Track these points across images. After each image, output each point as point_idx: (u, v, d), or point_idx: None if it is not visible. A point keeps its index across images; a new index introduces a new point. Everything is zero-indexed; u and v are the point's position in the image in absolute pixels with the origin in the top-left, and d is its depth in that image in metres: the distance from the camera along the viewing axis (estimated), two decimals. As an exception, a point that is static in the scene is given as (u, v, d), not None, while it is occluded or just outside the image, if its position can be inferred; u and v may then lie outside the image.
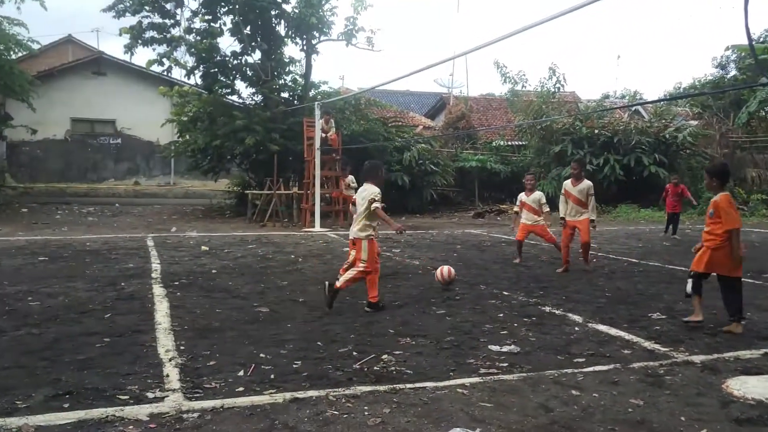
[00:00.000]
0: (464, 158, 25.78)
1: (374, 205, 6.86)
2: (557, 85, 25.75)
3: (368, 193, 7.00)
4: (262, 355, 5.10)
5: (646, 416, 3.86)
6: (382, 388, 4.32)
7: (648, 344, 5.53)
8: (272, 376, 4.57)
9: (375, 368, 4.78)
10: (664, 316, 6.65)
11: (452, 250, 12.03)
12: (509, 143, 28.14)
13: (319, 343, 5.48)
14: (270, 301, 7.28)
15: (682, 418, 3.84)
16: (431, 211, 22.31)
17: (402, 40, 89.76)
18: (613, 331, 5.98)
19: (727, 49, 37.97)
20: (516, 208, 10.99)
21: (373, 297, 6.86)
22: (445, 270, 8.22)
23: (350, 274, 6.98)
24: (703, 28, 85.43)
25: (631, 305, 7.22)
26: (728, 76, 37.04)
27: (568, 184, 9.81)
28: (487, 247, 12.95)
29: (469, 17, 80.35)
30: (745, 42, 29.21)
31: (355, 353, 5.17)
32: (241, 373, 4.63)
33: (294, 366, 4.83)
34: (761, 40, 33.36)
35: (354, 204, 7.43)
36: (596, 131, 23.53)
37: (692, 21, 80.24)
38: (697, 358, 5.10)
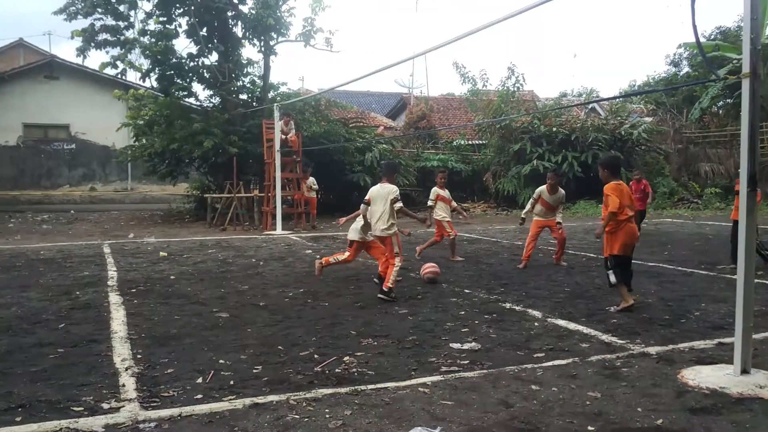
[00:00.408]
0: (426, 158, 25.90)
1: (397, 205, 7.41)
2: (516, 85, 26.08)
3: (387, 191, 7.46)
4: (221, 361, 5.03)
5: (603, 408, 3.93)
6: (343, 390, 4.30)
7: (605, 337, 5.64)
8: (232, 382, 4.51)
9: (336, 370, 4.75)
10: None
11: (413, 250, 12.03)
12: (470, 142, 28.39)
13: (279, 347, 5.43)
14: (230, 306, 7.19)
15: (639, 409, 3.91)
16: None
17: (362, 40, 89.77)
18: (572, 326, 6.08)
19: (680, 46, 39.03)
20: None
21: (392, 284, 7.37)
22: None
23: (392, 273, 7.39)
24: (657, 25, 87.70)
25: (590, 300, 7.35)
26: (681, 73, 38.05)
27: (544, 191, 9.99)
28: (448, 246, 13.00)
29: (427, 17, 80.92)
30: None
31: (316, 356, 5.14)
32: (200, 380, 4.56)
33: (254, 371, 4.78)
34: (712, 38, 34.38)
35: (366, 203, 7.71)
36: (554, 129, 23.90)
37: (647, 18, 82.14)
38: (653, 350, 5.21)
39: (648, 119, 29.21)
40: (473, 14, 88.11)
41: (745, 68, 4.25)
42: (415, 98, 35.89)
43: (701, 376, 4.46)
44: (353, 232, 8.12)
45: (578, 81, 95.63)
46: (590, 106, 32.32)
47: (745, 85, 4.26)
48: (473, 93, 27.04)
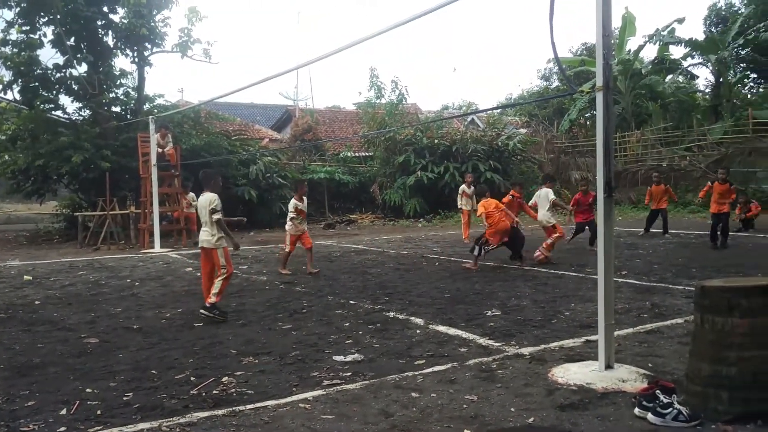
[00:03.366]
0: (312, 170, 25.82)
1: (215, 216, 7.01)
2: (399, 97, 26.66)
3: (206, 201, 7.10)
4: (88, 389, 4.73)
5: (479, 411, 4.03)
6: (220, 412, 4.14)
7: (483, 341, 5.82)
8: (99, 412, 4.25)
9: (214, 392, 4.57)
10: (498, 313, 7.03)
11: (302, 263, 11.91)
12: (356, 154, 28.65)
13: (153, 371, 5.16)
14: (100, 330, 6.77)
15: (512, 409, 4.05)
16: (282, 225, 21.97)
17: (246, 52, 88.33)
18: (452, 331, 6.22)
19: (549, 61, 41.58)
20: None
21: (216, 298, 7.04)
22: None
23: (217, 286, 7.00)
24: (530, 41, 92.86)
25: (469, 304, 7.57)
26: (552, 86, 40.55)
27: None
28: (336, 258, 13.00)
29: (309, 30, 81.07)
30: (564, 55, 31.96)
31: (193, 378, 4.92)
32: (64, 411, 4.27)
33: (125, 398, 4.51)
34: (578, 53, 36.89)
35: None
36: (436, 141, 24.61)
37: (520, 34, 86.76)
38: (526, 350, 5.43)
39: (522, 131, 30.82)
40: (357, 27, 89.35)
41: (599, 82, 4.55)
42: (301, 110, 35.74)
43: (569, 374, 4.69)
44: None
45: (459, 95, 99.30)
46: (469, 118, 33.61)
47: (599, 97, 4.55)
48: (369, 105, 27.22)
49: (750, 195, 18.39)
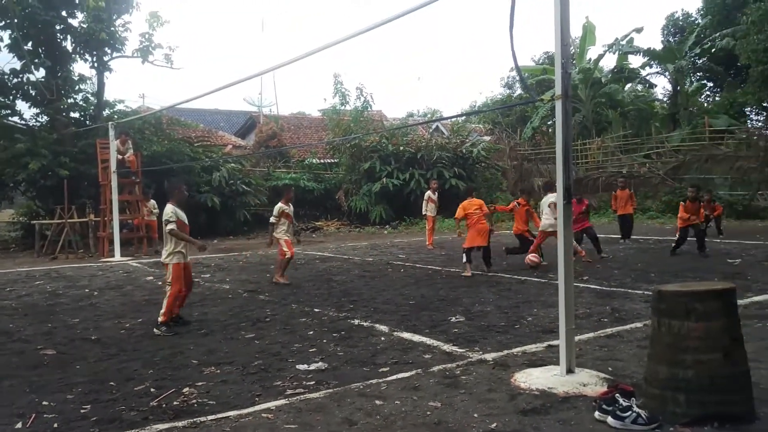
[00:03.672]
0: (277, 177, 25.64)
1: (168, 227, 6.90)
2: (365, 104, 26.71)
3: (164, 211, 7.05)
4: (45, 402, 4.61)
5: (443, 417, 4.04)
6: (181, 423, 4.07)
7: (447, 347, 5.83)
8: (56, 425, 4.15)
9: (174, 403, 4.49)
10: (462, 319, 7.06)
11: (266, 271, 11.82)
12: (322, 161, 28.56)
13: (112, 383, 5.04)
14: (57, 342, 6.60)
15: (475, 415, 4.06)
16: (246, 232, 21.81)
17: (210, 58, 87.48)
18: (416, 338, 6.23)
19: (512, 70, 42.18)
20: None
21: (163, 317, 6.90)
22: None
23: (162, 305, 6.92)
24: (494, 49, 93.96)
25: (434, 311, 7.59)
26: (515, 95, 41.14)
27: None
28: (300, 265, 12.91)
29: (273, 37, 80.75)
30: (527, 64, 32.41)
31: (153, 389, 4.83)
32: (19, 425, 4.17)
33: (82, 411, 4.41)
34: (541, 62, 37.51)
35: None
36: (401, 148, 24.71)
37: (484, 43, 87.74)
38: (490, 356, 5.46)
39: (486, 138, 31.16)
40: (320, 34, 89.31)
41: (558, 91, 4.63)
42: (265, 117, 35.49)
43: (532, 378, 4.73)
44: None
45: (424, 102, 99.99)
46: (434, 126, 33.83)
47: (558, 106, 4.63)
48: (334, 111, 27.16)
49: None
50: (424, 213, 16.42)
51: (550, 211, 10.89)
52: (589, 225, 12.38)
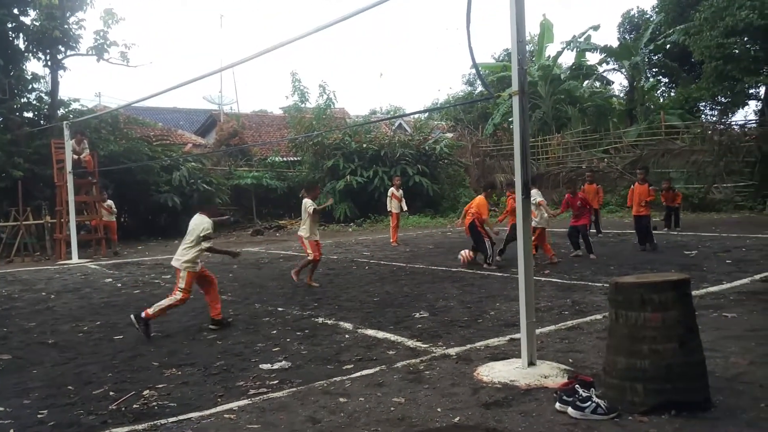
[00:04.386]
0: (239, 176, 25.38)
1: (206, 245, 6.86)
2: (327, 102, 26.57)
3: (196, 224, 6.88)
4: (0, 408, 4.50)
5: (406, 412, 4.05)
6: (140, 426, 4.00)
7: (411, 343, 5.86)
8: (11, 431, 4.05)
9: (134, 406, 4.41)
10: (426, 314, 7.10)
11: (228, 270, 11.68)
12: (285, 159, 28.33)
13: (70, 387, 4.94)
14: (13, 346, 6.44)
15: (439, 410, 4.09)
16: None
17: (168, 56, 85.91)
18: (381, 334, 6.24)
19: (473, 67, 42.44)
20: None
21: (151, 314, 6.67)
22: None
23: (160, 303, 6.75)
24: (455, 46, 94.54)
25: (398, 307, 7.61)
26: (476, 92, 41.40)
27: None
28: (264, 264, 12.81)
29: (233, 33, 79.79)
30: (487, 61, 32.56)
31: (112, 393, 4.74)
32: (-28, 433, 4.01)
33: (39, 416, 4.33)
34: (501, 59, 37.85)
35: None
36: (364, 145, 24.67)
37: (445, 40, 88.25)
38: (453, 351, 5.50)
39: (449, 135, 31.31)
40: (278, 30, 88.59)
41: (515, 87, 4.68)
42: (226, 115, 35.05)
43: (494, 372, 4.78)
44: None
45: (386, 99, 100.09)
46: (397, 123, 33.89)
47: (515, 102, 4.68)
48: (296, 109, 26.92)
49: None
50: (388, 210, 16.43)
51: (534, 207, 10.83)
52: (586, 223, 12.16)
